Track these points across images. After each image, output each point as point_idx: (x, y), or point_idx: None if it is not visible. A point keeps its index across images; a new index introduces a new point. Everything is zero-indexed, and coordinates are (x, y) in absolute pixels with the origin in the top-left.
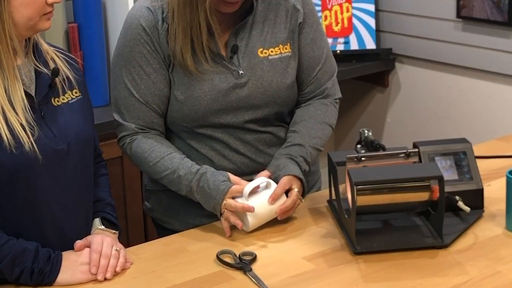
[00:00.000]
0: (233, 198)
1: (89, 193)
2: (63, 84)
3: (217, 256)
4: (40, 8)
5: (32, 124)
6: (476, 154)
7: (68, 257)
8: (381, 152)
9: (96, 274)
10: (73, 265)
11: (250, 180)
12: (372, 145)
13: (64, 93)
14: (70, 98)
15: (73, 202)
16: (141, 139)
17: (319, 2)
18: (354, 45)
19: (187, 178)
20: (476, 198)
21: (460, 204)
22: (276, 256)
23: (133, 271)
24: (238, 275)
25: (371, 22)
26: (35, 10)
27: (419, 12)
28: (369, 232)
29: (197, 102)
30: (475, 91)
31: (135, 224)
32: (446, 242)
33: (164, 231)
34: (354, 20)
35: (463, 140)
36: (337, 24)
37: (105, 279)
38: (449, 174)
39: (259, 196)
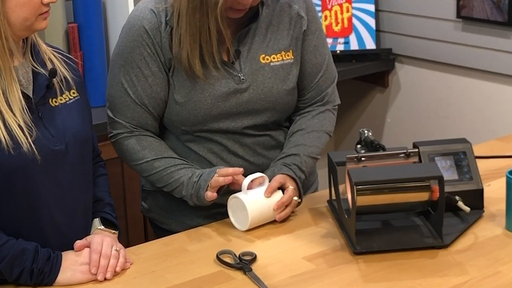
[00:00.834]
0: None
1: (88, 193)
2: (61, 84)
3: (217, 256)
4: (36, 8)
5: (30, 125)
6: (476, 154)
7: (68, 257)
8: (381, 152)
9: (96, 274)
10: (73, 265)
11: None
12: (372, 145)
13: (61, 93)
14: (67, 99)
15: (72, 202)
16: (133, 137)
17: (319, 2)
18: (354, 45)
19: (180, 173)
20: (476, 198)
21: (460, 204)
22: (276, 256)
23: (133, 271)
24: (238, 275)
25: (371, 22)
26: (31, 11)
27: (419, 12)
28: (369, 232)
29: (197, 106)
30: (475, 91)
31: (135, 224)
32: (446, 242)
33: (161, 231)
34: (354, 20)
35: (463, 140)
36: (337, 24)
37: (105, 279)
38: (449, 174)
39: (255, 191)
